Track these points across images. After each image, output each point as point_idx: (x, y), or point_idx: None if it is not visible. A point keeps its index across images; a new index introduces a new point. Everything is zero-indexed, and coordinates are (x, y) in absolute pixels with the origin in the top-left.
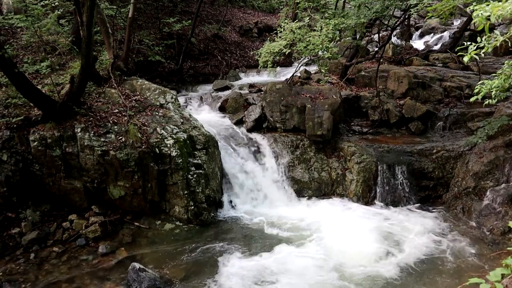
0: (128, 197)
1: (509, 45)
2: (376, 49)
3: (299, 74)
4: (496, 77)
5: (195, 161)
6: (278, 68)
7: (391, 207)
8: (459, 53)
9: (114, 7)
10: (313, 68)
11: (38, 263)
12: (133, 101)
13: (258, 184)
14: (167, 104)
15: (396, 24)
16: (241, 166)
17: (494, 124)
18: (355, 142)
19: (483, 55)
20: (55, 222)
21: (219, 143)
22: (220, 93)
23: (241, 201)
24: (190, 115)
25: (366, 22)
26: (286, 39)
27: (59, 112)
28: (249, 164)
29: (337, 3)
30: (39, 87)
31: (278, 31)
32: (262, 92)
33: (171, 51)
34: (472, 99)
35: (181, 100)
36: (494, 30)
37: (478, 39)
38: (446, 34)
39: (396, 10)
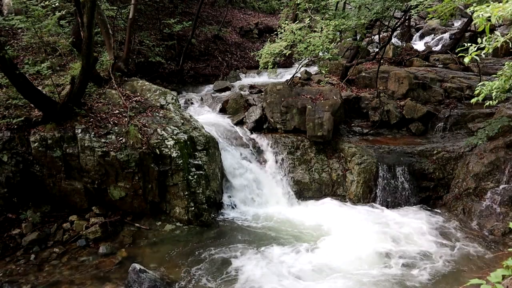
0: (128, 198)
1: (510, 46)
2: (377, 50)
3: (299, 75)
4: (496, 78)
5: (196, 162)
6: (279, 69)
7: (392, 208)
8: (459, 54)
9: (115, 8)
10: (313, 69)
11: (38, 264)
12: (134, 102)
13: (258, 185)
14: (167, 105)
15: (396, 25)
16: (242, 167)
17: (494, 125)
18: (356, 143)
19: (483, 56)
20: (56, 223)
21: (219, 144)
22: (221, 94)
23: (241, 202)
24: (190, 116)
25: (367, 23)
26: (286, 40)
27: (60, 113)
28: (249, 165)
29: (338, 4)
30: (39, 88)
31: (279, 32)
32: (262, 93)
33: (171, 52)
34: (472, 100)
35: (182, 101)
36: (495, 31)
37: (479, 40)
38: (446, 35)
39: (396, 11)
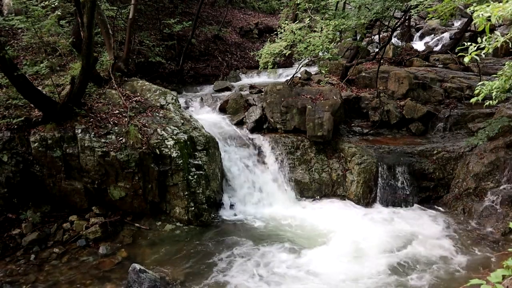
0: (128, 198)
1: (510, 46)
2: (377, 50)
3: (299, 75)
4: (496, 78)
5: (196, 162)
6: (279, 69)
7: (392, 208)
8: (459, 54)
9: (115, 8)
10: (313, 69)
11: (38, 264)
12: (134, 102)
13: (258, 185)
14: (167, 105)
15: (396, 25)
16: (242, 167)
17: (494, 125)
18: (356, 143)
19: (483, 56)
20: (56, 223)
21: (219, 144)
22: (221, 94)
23: (241, 202)
24: (190, 116)
25: (367, 23)
26: (286, 40)
27: (60, 113)
28: (249, 165)
29: (338, 4)
30: (39, 88)
31: (279, 32)
32: (262, 93)
33: (171, 52)
34: (472, 100)
35: (182, 101)
36: (495, 31)
37: (479, 40)
38: (446, 35)
39: (396, 11)
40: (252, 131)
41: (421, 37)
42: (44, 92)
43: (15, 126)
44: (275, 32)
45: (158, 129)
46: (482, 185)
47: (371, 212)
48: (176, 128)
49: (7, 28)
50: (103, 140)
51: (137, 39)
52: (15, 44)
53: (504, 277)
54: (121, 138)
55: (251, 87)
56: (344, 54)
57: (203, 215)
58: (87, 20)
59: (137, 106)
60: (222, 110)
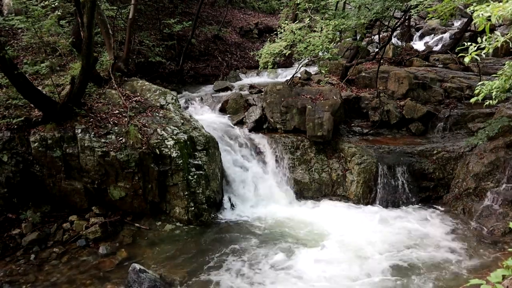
0: (128, 198)
1: (510, 46)
2: (377, 50)
3: (299, 75)
4: (496, 78)
5: (196, 162)
6: (279, 69)
7: (392, 208)
8: (459, 54)
9: (115, 8)
10: (313, 69)
11: (38, 264)
12: (134, 102)
13: (258, 185)
14: (167, 105)
15: (396, 25)
16: (242, 167)
17: (494, 125)
18: (356, 143)
19: (483, 55)
20: (56, 223)
21: (219, 144)
22: (221, 94)
23: (241, 202)
24: (190, 116)
25: (367, 23)
26: (286, 40)
27: (60, 113)
28: (249, 165)
29: (337, 4)
30: (39, 88)
31: (279, 32)
32: (262, 93)
33: (171, 52)
34: (472, 100)
35: (182, 101)
36: (495, 31)
37: (479, 39)
38: (446, 35)
39: (396, 11)
40: (252, 131)
41: (421, 37)
42: (44, 92)
43: (15, 126)
44: (275, 32)
45: (158, 129)
46: (482, 185)
47: (371, 212)
48: (176, 128)
49: (7, 28)
50: (103, 140)
51: (137, 39)
52: (15, 44)
53: (504, 277)
54: (121, 138)
55: (251, 87)
56: (344, 54)
57: (203, 215)
58: (87, 20)
59: (137, 106)
60: (222, 110)
